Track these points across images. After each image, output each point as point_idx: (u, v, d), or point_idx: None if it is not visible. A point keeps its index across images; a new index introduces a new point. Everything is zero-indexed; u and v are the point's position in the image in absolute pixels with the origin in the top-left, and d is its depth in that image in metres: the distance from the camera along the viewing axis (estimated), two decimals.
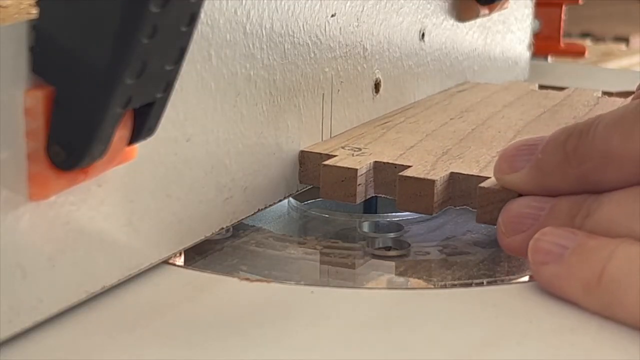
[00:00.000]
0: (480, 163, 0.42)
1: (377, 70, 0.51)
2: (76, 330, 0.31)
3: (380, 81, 0.52)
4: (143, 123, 0.31)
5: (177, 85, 0.31)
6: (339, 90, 0.48)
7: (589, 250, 0.32)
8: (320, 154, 0.44)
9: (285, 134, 0.43)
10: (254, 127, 0.41)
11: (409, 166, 0.42)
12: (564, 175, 0.34)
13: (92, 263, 0.33)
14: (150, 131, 0.31)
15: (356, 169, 0.41)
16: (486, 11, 0.62)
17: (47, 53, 0.28)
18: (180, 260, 0.38)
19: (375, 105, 0.52)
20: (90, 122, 0.29)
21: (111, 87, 0.28)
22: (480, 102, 0.55)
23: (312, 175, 0.44)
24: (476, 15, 0.61)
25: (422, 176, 0.40)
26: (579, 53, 0.78)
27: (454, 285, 0.36)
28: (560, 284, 0.33)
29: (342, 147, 0.45)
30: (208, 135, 0.38)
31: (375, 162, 0.43)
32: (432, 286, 0.36)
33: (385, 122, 0.50)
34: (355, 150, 0.44)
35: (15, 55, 0.28)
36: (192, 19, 0.29)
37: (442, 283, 0.37)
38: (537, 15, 0.73)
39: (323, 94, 0.46)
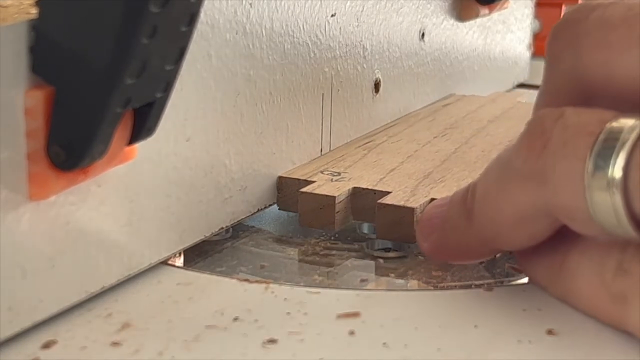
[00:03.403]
0: (462, 186, 0.41)
1: (377, 70, 0.51)
2: (76, 330, 0.31)
3: (380, 81, 0.52)
4: (143, 123, 0.31)
5: (177, 85, 0.31)
6: (338, 90, 0.48)
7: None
8: (299, 179, 0.42)
9: (285, 133, 0.43)
10: (253, 127, 0.41)
11: (389, 192, 0.41)
12: (465, 233, 0.35)
13: (92, 263, 0.33)
14: (150, 131, 0.31)
15: (334, 196, 0.40)
16: (486, 11, 0.62)
17: (47, 53, 0.28)
18: (180, 261, 0.38)
19: (375, 105, 0.52)
20: (90, 122, 0.29)
21: (111, 87, 0.28)
22: (465, 117, 0.54)
23: (290, 202, 0.42)
24: (476, 15, 0.61)
25: (401, 203, 0.39)
26: None
27: (453, 287, 0.36)
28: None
29: (321, 172, 0.43)
30: (208, 135, 0.38)
31: (354, 188, 0.42)
32: (432, 287, 0.36)
33: (367, 142, 0.49)
34: (334, 175, 0.43)
35: (15, 55, 0.28)
36: (192, 19, 0.29)
37: (442, 284, 0.37)
38: (537, 15, 0.73)
39: (323, 93, 0.46)
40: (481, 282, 0.36)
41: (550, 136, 0.30)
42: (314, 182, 0.42)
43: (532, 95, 0.37)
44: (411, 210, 0.39)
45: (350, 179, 0.43)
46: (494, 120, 0.54)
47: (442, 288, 0.36)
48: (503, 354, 0.30)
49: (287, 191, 0.43)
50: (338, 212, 0.41)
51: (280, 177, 0.43)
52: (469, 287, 0.35)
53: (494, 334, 0.31)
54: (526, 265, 0.35)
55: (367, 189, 0.41)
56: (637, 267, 0.30)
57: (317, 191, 0.41)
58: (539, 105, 0.35)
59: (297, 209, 0.41)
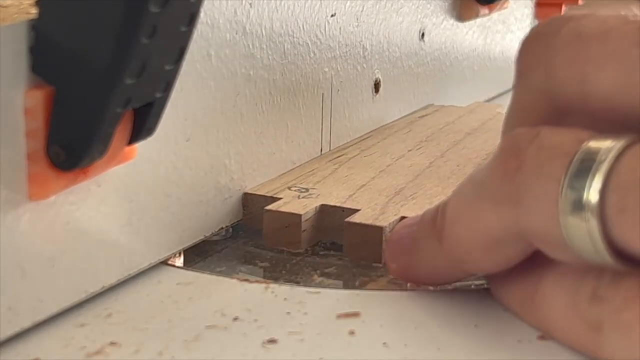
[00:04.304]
0: (434, 204, 0.38)
1: (377, 70, 0.51)
2: (76, 330, 0.31)
3: (380, 81, 0.52)
4: (143, 123, 0.31)
5: (177, 85, 0.31)
6: (338, 90, 0.48)
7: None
8: (265, 196, 0.41)
9: (284, 133, 0.43)
10: (253, 127, 0.41)
11: (357, 210, 0.39)
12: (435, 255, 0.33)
13: (91, 263, 0.33)
14: (149, 131, 0.31)
15: (300, 215, 0.39)
16: (486, 11, 0.62)
17: (47, 53, 0.28)
18: (179, 261, 0.38)
19: (375, 105, 0.52)
20: (90, 122, 0.29)
21: (111, 87, 0.28)
22: (442, 129, 0.52)
23: (256, 220, 0.41)
24: (476, 15, 0.61)
25: (369, 222, 0.38)
26: None
27: (454, 287, 0.36)
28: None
29: (289, 188, 0.42)
30: (208, 135, 0.38)
31: (322, 205, 0.40)
32: (432, 288, 0.36)
33: (339, 157, 0.47)
34: (302, 191, 0.41)
35: (15, 55, 0.28)
36: (191, 18, 0.29)
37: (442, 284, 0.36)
38: (537, 15, 0.73)
39: (323, 94, 0.46)
40: (481, 282, 0.36)
41: (525, 157, 0.29)
42: (280, 199, 0.40)
43: None
44: (379, 229, 0.38)
45: (318, 195, 0.41)
46: (471, 133, 0.52)
47: (443, 288, 0.36)
48: (503, 354, 0.30)
49: (252, 208, 0.41)
50: (304, 230, 0.39)
51: (245, 194, 0.41)
52: (469, 287, 0.35)
53: (494, 334, 0.31)
54: (498, 291, 0.33)
55: (335, 206, 0.40)
56: (613, 294, 0.28)
57: (282, 209, 0.39)
58: (510, 123, 0.33)
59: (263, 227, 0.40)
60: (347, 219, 0.38)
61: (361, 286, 0.37)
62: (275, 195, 0.41)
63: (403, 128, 0.53)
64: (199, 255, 0.39)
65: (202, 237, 0.39)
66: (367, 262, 0.38)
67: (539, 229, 0.28)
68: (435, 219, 0.32)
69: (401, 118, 0.55)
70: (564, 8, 0.77)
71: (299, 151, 0.45)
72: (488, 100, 0.66)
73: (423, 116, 0.55)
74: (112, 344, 0.30)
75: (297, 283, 0.36)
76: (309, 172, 0.44)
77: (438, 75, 0.58)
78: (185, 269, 0.37)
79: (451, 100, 0.60)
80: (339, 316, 0.33)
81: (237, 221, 0.41)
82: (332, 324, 0.32)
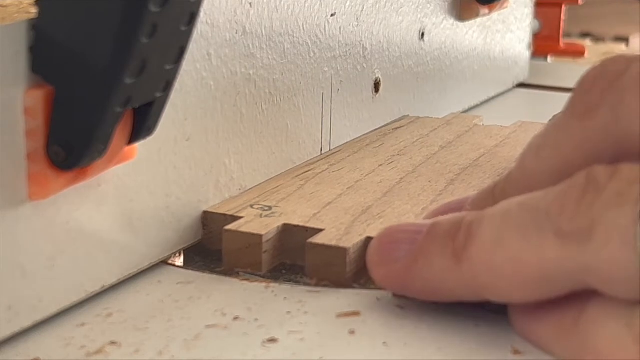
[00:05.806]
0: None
1: (377, 70, 0.51)
2: (75, 330, 0.31)
3: (380, 81, 0.52)
4: (143, 122, 0.31)
5: (177, 85, 0.31)
6: (338, 89, 0.48)
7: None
8: (225, 215, 0.38)
9: (284, 133, 0.43)
10: (253, 127, 0.41)
11: (321, 230, 0.37)
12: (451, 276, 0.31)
13: (91, 263, 0.33)
14: (149, 131, 0.31)
15: (261, 235, 0.36)
16: (486, 11, 0.62)
17: (47, 53, 0.28)
18: (180, 261, 0.38)
19: (375, 105, 0.52)
20: (90, 121, 0.29)
21: (111, 87, 0.28)
22: (416, 142, 0.50)
23: (216, 240, 0.38)
24: (476, 15, 0.61)
25: (333, 243, 0.36)
26: (579, 53, 0.78)
27: None
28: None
29: (251, 206, 0.39)
30: (208, 135, 0.38)
31: (284, 224, 0.38)
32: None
33: (306, 172, 0.44)
34: (264, 210, 0.39)
35: (15, 55, 0.28)
36: (191, 18, 0.29)
37: None
38: (537, 15, 0.73)
39: (323, 93, 0.46)
40: None
41: (603, 190, 0.27)
42: (241, 217, 0.38)
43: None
44: (344, 250, 0.35)
45: (281, 214, 0.39)
46: (446, 146, 0.50)
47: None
48: (503, 354, 0.30)
49: (212, 227, 0.39)
50: (265, 251, 0.37)
51: (205, 212, 0.39)
52: None
53: (495, 334, 0.31)
54: (526, 322, 0.30)
55: (298, 226, 0.38)
56: None
57: (242, 229, 0.37)
58: (557, 158, 0.31)
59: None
60: (310, 240, 0.36)
61: (361, 286, 0.37)
62: (236, 214, 0.38)
63: (375, 141, 0.50)
64: (199, 254, 0.39)
65: (201, 237, 0.39)
66: (331, 285, 0.36)
67: (610, 262, 0.27)
68: (456, 237, 0.30)
69: (400, 119, 0.55)
70: (563, 8, 0.77)
71: (299, 151, 0.45)
72: (488, 100, 0.66)
73: (397, 128, 0.53)
74: (112, 343, 0.30)
75: (297, 282, 0.36)
76: (273, 188, 0.42)
77: (438, 75, 0.59)
78: (186, 269, 0.37)
79: (451, 100, 0.60)
80: (339, 316, 0.33)
81: None
82: (332, 324, 0.32)
